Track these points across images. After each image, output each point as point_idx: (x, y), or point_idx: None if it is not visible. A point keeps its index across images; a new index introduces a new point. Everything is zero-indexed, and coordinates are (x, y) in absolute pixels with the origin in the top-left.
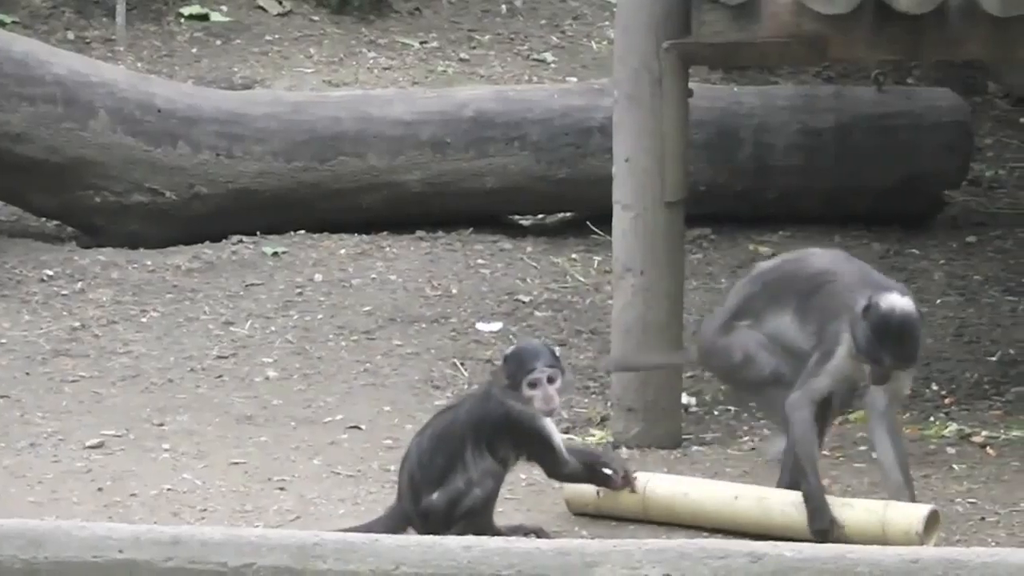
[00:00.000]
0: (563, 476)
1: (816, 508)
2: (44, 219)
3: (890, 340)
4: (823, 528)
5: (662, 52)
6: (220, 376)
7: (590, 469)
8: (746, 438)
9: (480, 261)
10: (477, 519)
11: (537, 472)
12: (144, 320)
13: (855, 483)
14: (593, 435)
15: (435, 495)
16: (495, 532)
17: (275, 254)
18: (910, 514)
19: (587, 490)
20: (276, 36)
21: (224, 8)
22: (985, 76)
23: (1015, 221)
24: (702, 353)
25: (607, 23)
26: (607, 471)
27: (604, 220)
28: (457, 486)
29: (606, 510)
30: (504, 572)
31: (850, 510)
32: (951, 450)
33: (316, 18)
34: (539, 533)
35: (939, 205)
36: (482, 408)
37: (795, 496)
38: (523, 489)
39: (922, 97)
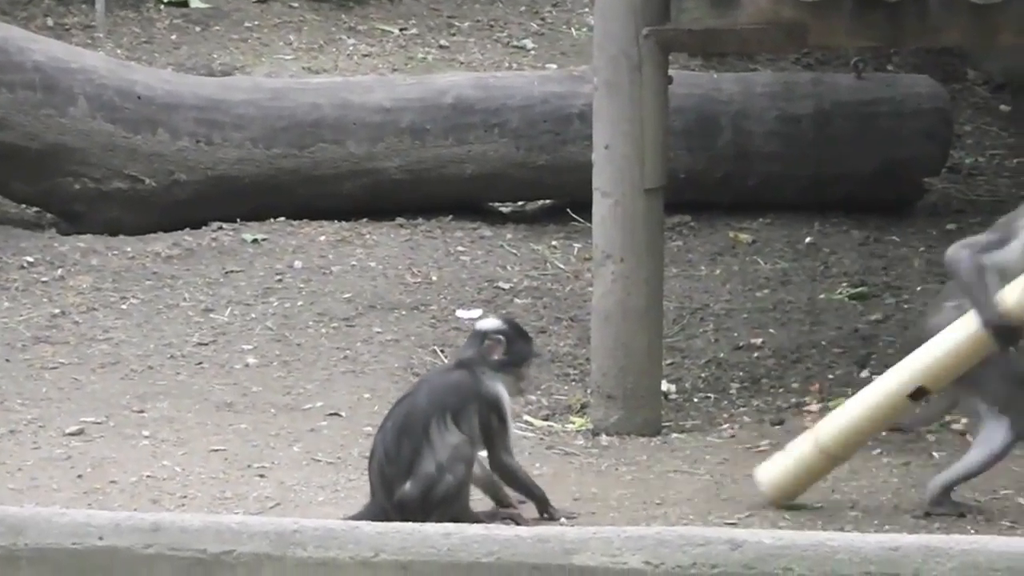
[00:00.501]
0: (503, 465)
1: (982, 305)
2: (24, 206)
3: None
4: (996, 322)
5: (641, 39)
6: (200, 363)
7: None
8: (726, 425)
9: (460, 248)
10: (453, 505)
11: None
12: (124, 307)
13: (834, 470)
14: (573, 422)
15: (407, 485)
16: (472, 518)
17: (255, 241)
18: None
19: (782, 477)
20: (255, 23)
21: None
22: (964, 63)
23: (995, 208)
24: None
25: (586, 10)
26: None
27: (584, 207)
28: (428, 471)
29: (802, 481)
30: (484, 559)
31: None
32: (931, 437)
33: (295, 5)
34: (517, 519)
35: (919, 192)
36: (451, 379)
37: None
38: None
39: (902, 84)
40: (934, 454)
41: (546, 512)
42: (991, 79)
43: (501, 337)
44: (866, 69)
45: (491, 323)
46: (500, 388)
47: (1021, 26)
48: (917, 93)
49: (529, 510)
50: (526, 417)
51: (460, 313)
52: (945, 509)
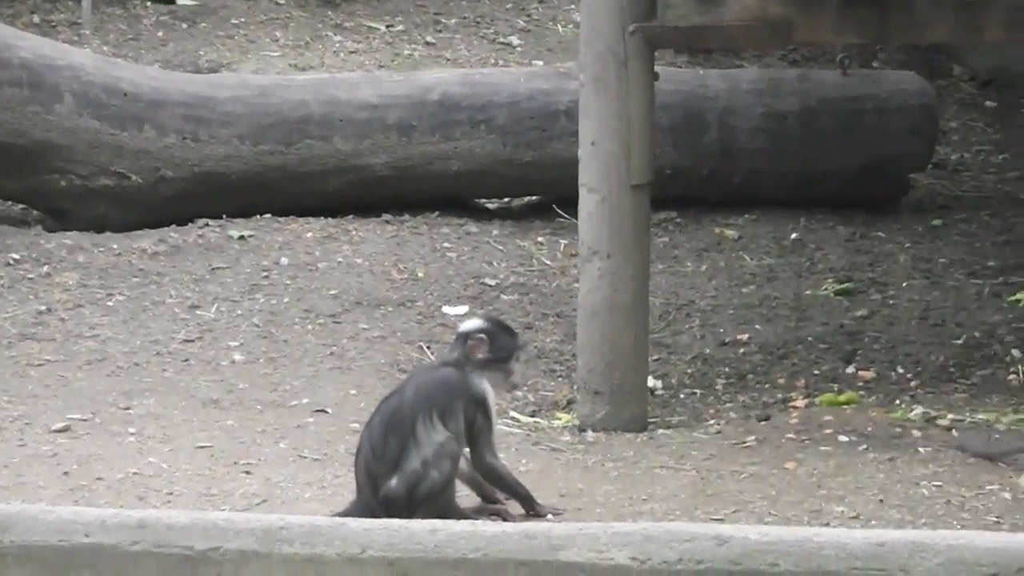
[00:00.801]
0: (487, 465)
1: None
2: (10, 203)
3: None
4: None
5: (628, 35)
6: (186, 360)
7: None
8: (712, 421)
9: (446, 245)
10: (438, 502)
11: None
12: (110, 304)
13: (821, 466)
14: (559, 418)
15: (393, 481)
16: (459, 514)
17: (241, 238)
18: None
19: None
20: (242, 20)
21: None
22: (950, 59)
23: (980, 204)
24: None
25: (573, 6)
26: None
27: (570, 203)
28: (414, 467)
29: None
30: (470, 555)
31: None
32: (917, 433)
33: (282, 1)
34: (503, 515)
35: (905, 188)
36: (439, 377)
37: None
38: None
39: (887, 80)
40: (920, 449)
41: (532, 510)
42: (977, 75)
43: (483, 336)
44: (852, 66)
45: (473, 323)
46: (487, 386)
47: (1007, 22)
48: (903, 89)
49: (516, 506)
50: (512, 413)
51: (446, 309)
52: None
